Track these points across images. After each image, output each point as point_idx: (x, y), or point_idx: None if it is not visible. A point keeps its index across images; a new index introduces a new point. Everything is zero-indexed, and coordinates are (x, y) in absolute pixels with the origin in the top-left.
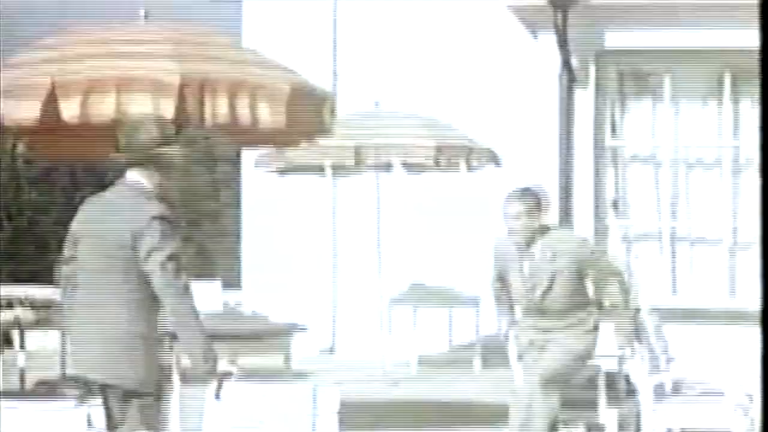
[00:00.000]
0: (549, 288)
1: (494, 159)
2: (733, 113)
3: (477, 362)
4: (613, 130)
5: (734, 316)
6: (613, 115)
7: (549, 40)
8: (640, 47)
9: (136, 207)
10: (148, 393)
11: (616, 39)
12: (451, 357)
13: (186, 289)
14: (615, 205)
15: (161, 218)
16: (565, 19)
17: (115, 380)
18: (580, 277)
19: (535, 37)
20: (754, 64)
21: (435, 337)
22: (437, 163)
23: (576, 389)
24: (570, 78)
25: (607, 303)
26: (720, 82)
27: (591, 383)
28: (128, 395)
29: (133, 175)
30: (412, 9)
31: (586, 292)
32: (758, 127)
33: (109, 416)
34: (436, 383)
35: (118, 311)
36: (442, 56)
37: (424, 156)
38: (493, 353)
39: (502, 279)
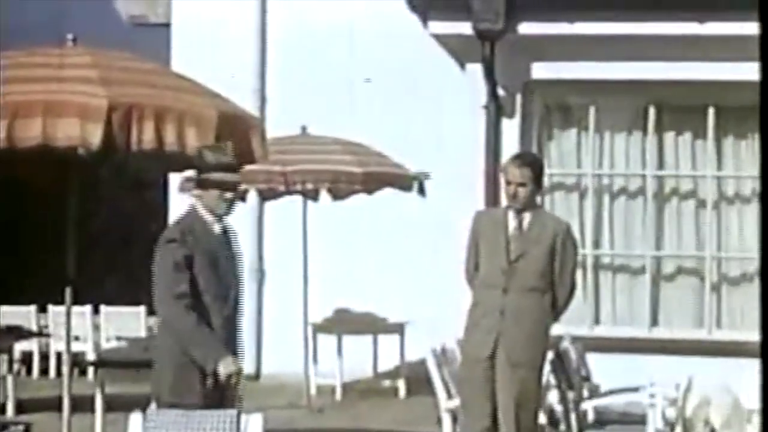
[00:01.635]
0: (524, 256)
1: (421, 187)
2: (657, 144)
3: (402, 390)
4: None
5: (656, 345)
6: (539, 145)
7: (476, 70)
8: (566, 78)
9: None
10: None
11: (542, 70)
12: (375, 384)
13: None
14: None
15: None
16: (492, 50)
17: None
18: (552, 259)
19: (463, 67)
20: (678, 96)
21: (360, 364)
22: (364, 190)
23: None
24: (497, 108)
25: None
26: (644, 114)
27: None
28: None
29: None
30: (341, 36)
31: (550, 277)
32: (759, 129)
33: None
34: (361, 411)
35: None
36: (370, 83)
37: (351, 182)
38: (418, 381)
39: (476, 249)
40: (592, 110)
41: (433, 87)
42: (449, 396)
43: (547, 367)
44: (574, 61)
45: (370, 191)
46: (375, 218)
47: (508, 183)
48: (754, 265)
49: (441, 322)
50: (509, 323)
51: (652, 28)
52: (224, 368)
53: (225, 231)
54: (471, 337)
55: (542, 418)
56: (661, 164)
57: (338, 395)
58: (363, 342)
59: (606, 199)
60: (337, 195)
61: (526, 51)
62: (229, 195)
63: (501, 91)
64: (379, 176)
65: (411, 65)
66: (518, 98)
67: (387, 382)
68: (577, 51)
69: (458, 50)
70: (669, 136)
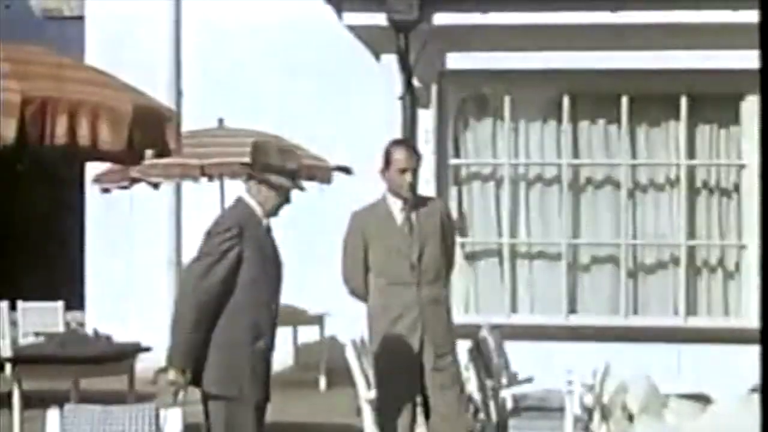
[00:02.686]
0: (425, 247)
1: (332, 177)
2: (572, 133)
3: (322, 381)
4: (456, 149)
5: (573, 333)
6: (455, 135)
7: (391, 61)
8: (481, 69)
9: None
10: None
11: (457, 61)
12: (296, 376)
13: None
14: (460, 223)
15: None
16: (407, 40)
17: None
18: (444, 243)
19: (378, 58)
20: (592, 85)
21: (280, 356)
22: None
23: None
24: (412, 99)
25: None
26: (559, 103)
27: None
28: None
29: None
30: (258, 28)
31: (444, 260)
32: (759, 128)
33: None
34: (281, 403)
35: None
36: (287, 74)
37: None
38: (339, 372)
39: (365, 251)
40: (507, 100)
41: (349, 79)
42: (369, 387)
43: (466, 356)
44: (489, 52)
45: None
46: (294, 210)
47: (401, 170)
48: (668, 252)
49: (361, 313)
50: (429, 316)
51: (565, 17)
52: (170, 375)
53: (269, 230)
54: (392, 337)
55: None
56: (576, 153)
57: None
58: (283, 334)
59: (522, 188)
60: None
61: (440, 41)
62: (283, 201)
63: (416, 82)
64: (298, 169)
65: (327, 57)
66: (433, 89)
67: (307, 374)
68: (491, 41)
69: (373, 41)
70: (583, 125)
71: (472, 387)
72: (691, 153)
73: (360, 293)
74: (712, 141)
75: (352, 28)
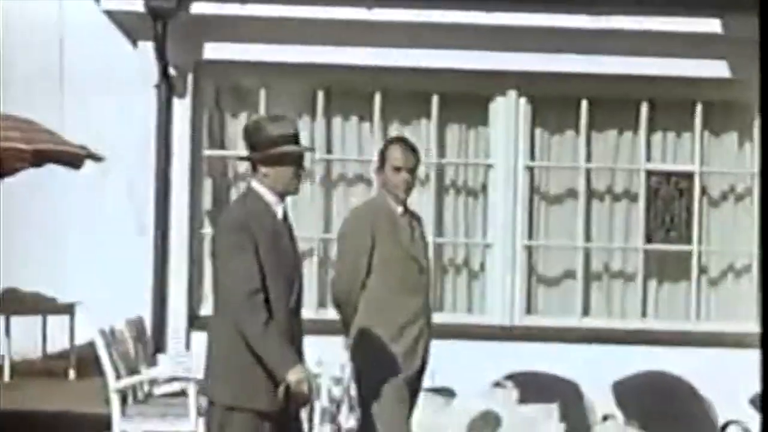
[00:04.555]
0: (424, 251)
1: (84, 163)
2: (325, 128)
3: (72, 370)
4: (211, 140)
5: (324, 327)
6: (210, 127)
7: (148, 48)
8: (238, 60)
9: None
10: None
11: (214, 51)
12: (45, 365)
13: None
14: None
15: None
16: (164, 28)
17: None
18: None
19: (135, 45)
20: (347, 81)
21: (29, 345)
22: (32, 166)
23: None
24: (168, 88)
25: None
26: (313, 98)
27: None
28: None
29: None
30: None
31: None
32: (759, 128)
33: None
34: (30, 392)
35: None
36: (42, 56)
37: (19, 159)
38: (88, 362)
39: (371, 252)
40: (262, 93)
41: (108, 66)
42: (118, 376)
43: None
44: (245, 43)
45: (37, 167)
46: (45, 197)
47: (397, 169)
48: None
49: (111, 303)
50: (428, 328)
51: (322, 12)
52: (294, 376)
53: (285, 215)
54: (394, 349)
55: None
56: (329, 148)
57: (6, 376)
58: (32, 322)
59: None
60: (3, 172)
61: (198, 30)
62: (301, 171)
63: (173, 71)
64: (48, 153)
65: (86, 42)
66: (189, 78)
67: (56, 363)
68: (249, 32)
69: (130, 27)
70: (337, 121)
71: None
72: (441, 152)
73: (354, 300)
74: (461, 141)
75: (109, 14)
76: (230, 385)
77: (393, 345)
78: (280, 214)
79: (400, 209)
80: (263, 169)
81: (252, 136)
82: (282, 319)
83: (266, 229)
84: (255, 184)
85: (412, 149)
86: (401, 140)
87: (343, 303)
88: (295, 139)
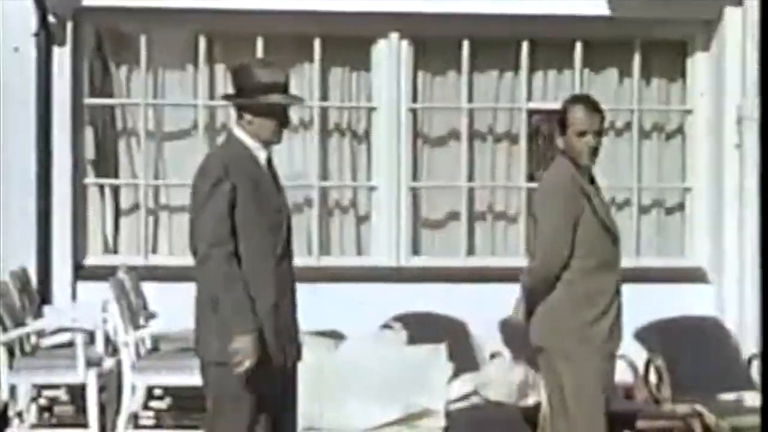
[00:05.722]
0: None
1: None
2: (208, 76)
3: None
4: (92, 88)
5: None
6: (91, 75)
7: None
8: (117, 6)
9: None
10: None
11: None
12: None
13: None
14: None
15: None
16: None
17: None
18: None
19: None
20: (227, 26)
21: None
22: None
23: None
24: (47, 36)
25: None
26: (195, 45)
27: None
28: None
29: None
30: None
31: None
32: (758, 127)
33: None
34: None
35: None
36: None
37: None
38: None
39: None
40: (143, 39)
41: None
42: (4, 329)
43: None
44: None
45: None
46: None
47: (580, 133)
48: (303, 195)
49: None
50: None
51: None
52: (237, 344)
53: (270, 161)
54: (599, 329)
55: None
56: (212, 95)
57: None
58: None
59: (161, 131)
60: None
61: None
62: (282, 123)
63: (52, 19)
64: None
65: None
66: (69, 26)
67: None
68: None
69: None
70: (219, 68)
71: (110, 327)
72: (324, 95)
73: (555, 276)
74: (344, 84)
75: None
76: (217, 341)
77: (598, 321)
78: (262, 160)
79: (585, 178)
80: (247, 116)
81: (239, 79)
82: (267, 266)
83: (247, 174)
84: (237, 131)
85: (596, 108)
86: (584, 99)
87: (544, 284)
88: (284, 88)
